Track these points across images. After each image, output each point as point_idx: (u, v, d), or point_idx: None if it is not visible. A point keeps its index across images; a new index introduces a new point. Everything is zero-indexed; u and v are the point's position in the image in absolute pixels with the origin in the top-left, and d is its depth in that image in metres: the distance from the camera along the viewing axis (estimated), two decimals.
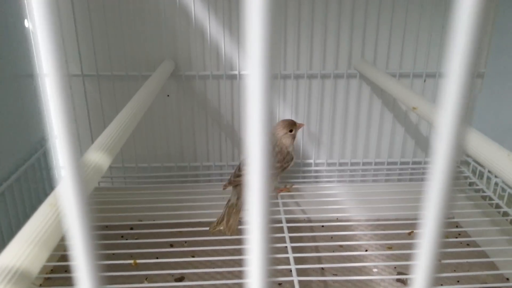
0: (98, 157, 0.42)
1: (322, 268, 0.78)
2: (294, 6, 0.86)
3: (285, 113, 0.94)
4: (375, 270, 0.78)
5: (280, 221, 0.76)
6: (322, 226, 0.87)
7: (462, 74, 0.14)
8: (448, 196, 0.16)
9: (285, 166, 0.83)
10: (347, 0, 0.86)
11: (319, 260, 0.79)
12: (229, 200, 0.76)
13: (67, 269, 0.73)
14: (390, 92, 0.70)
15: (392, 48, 0.90)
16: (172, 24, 0.86)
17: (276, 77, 0.91)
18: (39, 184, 0.86)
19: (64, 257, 0.77)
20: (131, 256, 0.72)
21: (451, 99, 0.14)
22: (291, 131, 0.81)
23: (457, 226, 0.90)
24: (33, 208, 0.84)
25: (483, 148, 0.44)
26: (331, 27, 0.88)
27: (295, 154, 0.87)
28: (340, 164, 0.99)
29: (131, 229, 0.84)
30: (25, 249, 0.30)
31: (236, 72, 0.90)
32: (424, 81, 0.93)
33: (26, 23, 0.82)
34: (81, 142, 0.92)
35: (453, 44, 0.14)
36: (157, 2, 0.84)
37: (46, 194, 0.88)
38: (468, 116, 0.15)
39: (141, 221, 0.85)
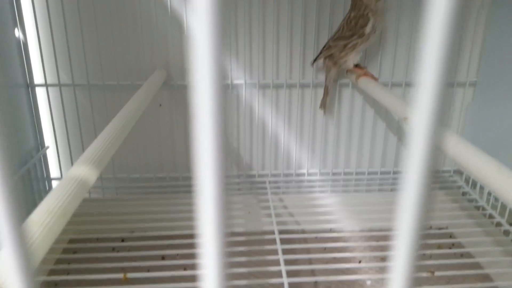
0: (84, 171, 0.41)
1: (316, 282, 0.77)
2: (286, 16, 0.86)
3: (278, 123, 0.94)
4: (368, 282, 0.77)
5: (272, 232, 0.75)
6: (316, 237, 0.86)
7: (434, 83, 0.13)
8: (423, 207, 0.15)
9: (360, 33, 0.77)
10: (339, 9, 0.86)
11: (312, 273, 0.78)
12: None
13: None
14: (381, 102, 0.70)
15: (384, 57, 0.91)
16: (164, 33, 0.86)
17: (269, 87, 0.91)
18: (28, 196, 0.85)
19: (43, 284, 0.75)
20: (122, 269, 0.71)
21: (424, 109, 0.14)
22: None
23: (450, 237, 0.90)
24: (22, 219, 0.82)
25: (474, 160, 0.44)
26: (323, 36, 0.88)
27: (384, 18, 0.80)
28: (334, 174, 0.98)
29: (123, 241, 0.83)
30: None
31: (229, 82, 0.89)
32: None
33: (17, 33, 0.82)
34: (71, 152, 0.91)
35: (425, 52, 0.13)
36: (149, 11, 0.84)
37: (35, 205, 0.87)
38: (443, 125, 0.14)
39: (132, 232, 0.84)
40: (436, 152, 0.14)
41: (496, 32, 0.84)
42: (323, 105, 0.90)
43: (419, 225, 0.15)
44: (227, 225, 0.14)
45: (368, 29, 0.76)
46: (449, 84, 0.14)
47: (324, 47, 0.83)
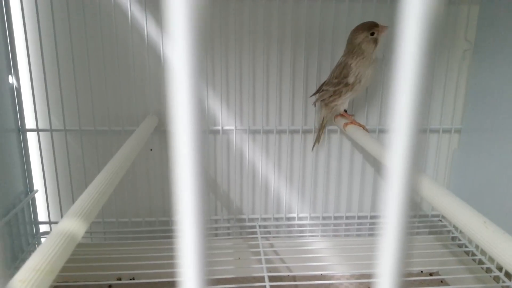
0: (73, 225, 0.41)
1: None
2: (275, 63, 0.88)
3: (268, 167, 0.95)
4: None
5: (262, 279, 0.74)
6: (307, 283, 0.85)
7: (407, 130, 0.14)
8: (401, 251, 0.15)
9: (344, 82, 0.77)
10: (327, 56, 0.89)
11: None
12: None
13: None
14: (368, 150, 0.72)
15: (370, 104, 0.93)
16: (156, 80, 0.87)
17: (259, 132, 0.92)
18: (16, 241, 0.84)
19: None
20: None
21: (397, 154, 0.14)
22: (372, 34, 0.74)
23: (442, 282, 0.89)
24: (7, 266, 0.80)
25: (459, 213, 0.44)
26: (311, 83, 0.90)
27: (376, 67, 0.79)
28: (324, 218, 0.99)
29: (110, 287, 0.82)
30: None
31: (219, 128, 0.91)
32: None
33: (10, 79, 0.83)
34: (60, 196, 0.90)
35: (396, 98, 0.14)
36: (142, 59, 0.86)
37: (23, 250, 0.86)
38: (417, 170, 0.15)
39: (120, 280, 0.83)
40: (411, 195, 0.15)
41: (478, 79, 0.88)
42: (318, 139, 0.91)
43: (398, 269, 0.15)
44: (208, 272, 0.14)
45: (350, 79, 0.78)
46: (421, 129, 0.14)
47: (321, 85, 0.85)
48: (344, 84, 0.79)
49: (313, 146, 0.93)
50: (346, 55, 0.79)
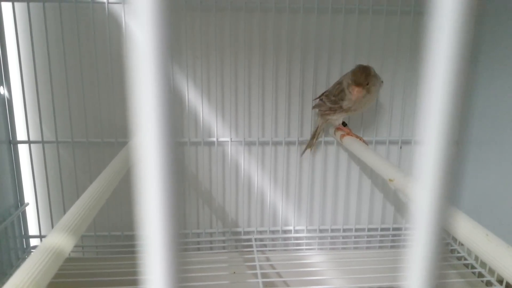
0: (61, 239, 0.40)
1: None
2: (271, 76, 0.88)
3: (264, 179, 0.93)
4: None
5: None
6: None
7: (440, 142, 0.12)
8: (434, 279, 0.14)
9: (340, 104, 0.77)
10: (323, 69, 0.88)
11: None
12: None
13: None
14: (365, 162, 0.70)
15: (366, 116, 0.92)
16: None
17: (255, 144, 0.91)
18: (5, 255, 0.81)
19: None
20: None
21: (429, 171, 0.13)
22: (367, 84, 0.74)
23: None
24: None
25: (461, 226, 0.43)
26: (308, 95, 0.90)
27: (373, 95, 0.77)
28: (321, 231, 0.97)
29: None
30: None
31: (214, 139, 0.90)
32: (400, 147, 0.94)
33: (2, 90, 0.82)
34: (51, 209, 0.88)
35: (428, 109, 0.12)
36: None
37: (12, 265, 0.83)
38: (450, 188, 0.13)
39: None
40: (441, 232, 0.13)
41: (477, 91, 0.87)
42: (309, 145, 0.90)
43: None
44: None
45: (345, 105, 0.78)
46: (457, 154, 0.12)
47: (324, 93, 0.84)
48: (339, 106, 0.79)
49: (303, 151, 0.91)
50: (344, 76, 0.79)
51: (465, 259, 0.87)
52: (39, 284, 0.35)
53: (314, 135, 0.89)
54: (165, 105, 0.11)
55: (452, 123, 0.12)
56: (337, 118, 0.82)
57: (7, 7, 0.80)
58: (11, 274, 0.79)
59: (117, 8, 0.82)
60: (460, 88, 0.12)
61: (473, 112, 0.88)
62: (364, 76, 0.73)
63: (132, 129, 0.11)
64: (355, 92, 0.74)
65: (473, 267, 0.85)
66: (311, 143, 0.90)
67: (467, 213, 0.47)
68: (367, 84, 0.74)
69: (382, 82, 0.80)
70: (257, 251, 0.89)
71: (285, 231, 0.96)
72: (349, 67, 0.80)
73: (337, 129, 0.85)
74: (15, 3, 0.79)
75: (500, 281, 0.78)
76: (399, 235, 0.98)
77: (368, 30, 0.86)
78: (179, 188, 0.12)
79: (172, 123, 0.11)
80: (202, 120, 0.89)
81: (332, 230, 0.97)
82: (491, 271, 0.81)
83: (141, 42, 0.11)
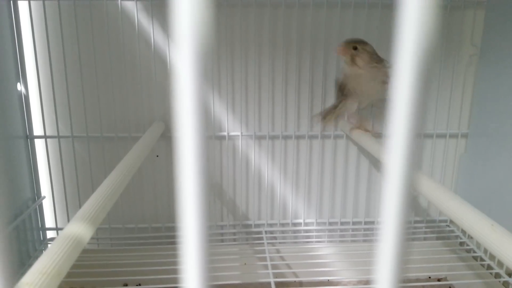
0: (80, 228, 0.42)
1: None
2: (280, 70, 0.89)
3: (274, 173, 0.95)
4: None
5: (269, 285, 0.74)
6: None
7: (405, 134, 0.14)
8: (399, 256, 0.15)
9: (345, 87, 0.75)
10: (333, 59, 0.89)
11: None
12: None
13: None
14: (374, 155, 0.71)
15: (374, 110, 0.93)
16: (162, 86, 0.88)
17: (265, 138, 0.92)
18: (23, 246, 0.84)
19: None
20: None
21: (396, 155, 0.14)
22: (355, 48, 0.70)
23: (450, 287, 0.88)
24: (15, 272, 0.81)
25: (467, 216, 0.44)
26: (317, 91, 0.90)
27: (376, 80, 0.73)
28: (330, 224, 0.98)
29: None
30: None
31: (225, 133, 0.91)
32: None
33: (19, 86, 0.84)
34: (67, 202, 0.90)
35: (395, 104, 0.14)
36: (148, 66, 0.87)
37: (29, 256, 0.86)
38: (416, 170, 0.15)
39: (126, 286, 0.83)
40: (410, 198, 0.15)
41: (485, 84, 0.87)
42: (328, 115, 0.81)
43: (396, 275, 0.15)
44: (210, 278, 0.14)
45: (346, 92, 0.78)
46: (418, 133, 0.14)
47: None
48: (346, 89, 0.78)
49: (319, 120, 0.83)
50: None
51: (474, 252, 0.88)
52: (60, 269, 0.37)
53: (335, 108, 0.81)
54: (201, 105, 0.13)
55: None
56: (352, 103, 0.80)
57: (23, 5, 0.82)
58: (29, 264, 0.81)
59: (130, 5, 0.84)
60: (424, 83, 0.13)
61: (483, 104, 0.88)
62: (352, 41, 0.71)
63: (175, 127, 0.13)
64: (337, 48, 0.71)
65: (482, 259, 0.85)
66: (330, 114, 0.81)
67: (474, 205, 0.48)
68: (355, 49, 0.71)
69: (388, 64, 0.73)
70: (268, 243, 0.91)
71: (295, 224, 0.98)
72: None
73: (349, 119, 0.85)
74: (31, 2, 0.81)
75: (510, 274, 0.79)
76: (408, 228, 0.98)
77: (364, 23, 0.87)
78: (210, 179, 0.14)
79: (207, 120, 0.13)
80: (213, 114, 0.90)
81: (342, 223, 0.98)
82: (500, 263, 0.81)
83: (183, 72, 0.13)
